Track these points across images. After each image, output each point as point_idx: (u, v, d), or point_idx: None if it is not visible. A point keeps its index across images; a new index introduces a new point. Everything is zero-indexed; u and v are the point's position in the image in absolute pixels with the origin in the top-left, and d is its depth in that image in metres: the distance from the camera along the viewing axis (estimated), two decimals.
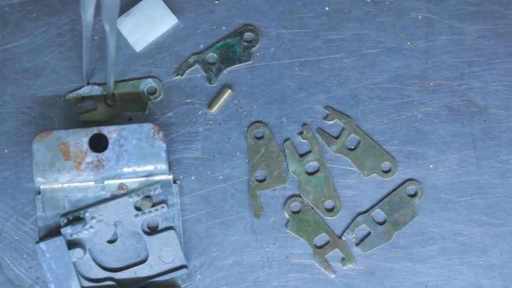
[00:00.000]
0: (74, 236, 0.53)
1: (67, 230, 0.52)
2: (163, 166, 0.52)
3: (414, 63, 0.57)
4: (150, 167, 0.52)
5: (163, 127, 0.56)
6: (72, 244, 0.52)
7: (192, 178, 0.56)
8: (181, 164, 0.56)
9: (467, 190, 0.56)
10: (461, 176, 0.56)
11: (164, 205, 0.53)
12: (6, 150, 0.56)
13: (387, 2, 0.58)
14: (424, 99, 0.57)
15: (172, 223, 0.54)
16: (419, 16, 0.58)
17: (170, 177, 0.54)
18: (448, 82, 0.57)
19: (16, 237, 0.55)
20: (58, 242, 0.51)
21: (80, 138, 0.52)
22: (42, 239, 0.52)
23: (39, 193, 0.53)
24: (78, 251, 0.52)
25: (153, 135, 0.52)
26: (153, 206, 0.54)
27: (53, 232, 0.53)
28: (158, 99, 0.56)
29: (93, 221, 0.53)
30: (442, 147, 0.56)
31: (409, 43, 0.58)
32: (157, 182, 0.54)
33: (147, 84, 0.56)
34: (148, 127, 0.52)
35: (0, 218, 0.55)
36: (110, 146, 0.52)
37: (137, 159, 0.52)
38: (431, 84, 0.57)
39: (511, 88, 0.57)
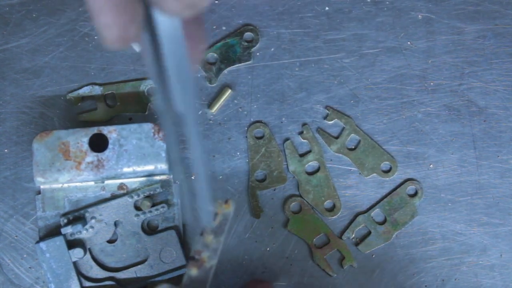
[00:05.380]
0: (74, 236, 0.53)
1: (67, 230, 0.52)
2: (163, 166, 0.52)
3: (414, 63, 0.57)
4: (150, 167, 0.52)
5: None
6: (72, 244, 0.52)
7: (192, 178, 0.56)
8: (181, 164, 0.56)
9: (467, 190, 0.56)
10: (461, 176, 0.56)
11: (164, 205, 0.53)
12: (6, 150, 0.56)
13: (387, 2, 0.58)
14: (424, 99, 0.57)
15: (172, 223, 0.54)
16: (419, 16, 0.58)
17: (170, 177, 0.54)
18: (448, 82, 0.57)
19: (16, 237, 0.55)
20: (58, 242, 0.51)
21: (80, 138, 0.52)
22: (42, 239, 0.52)
23: (39, 193, 0.53)
24: (78, 251, 0.52)
25: (153, 135, 0.52)
26: (153, 206, 0.54)
27: (53, 232, 0.53)
28: None
29: (93, 221, 0.53)
30: (442, 147, 0.56)
31: (409, 43, 0.58)
32: (157, 182, 0.54)
33: (147, 85, 0.56)
34: (148, 127, 0.52)
35: (0, 218, 0.55)
36: (110, 146, 0.52)
37: (137, 159, 0.52)
38: (431, 84, 0.57)
39: (511, 88, 0.57)
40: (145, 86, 0.57)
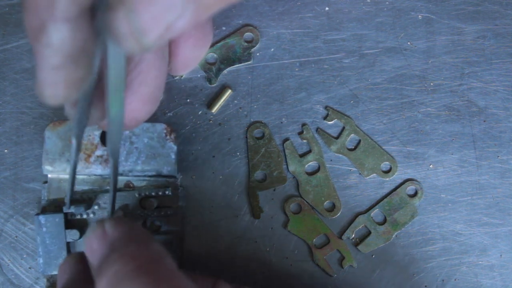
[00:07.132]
0: (75, 217, 0.52)
1: (69, 210, 0.51)
2: (172, 168, 0.52)
3: (414, 63, 0.57)
4: (158, 167, 0.52)
5: None
6: (70, 225, 0.52)
7: (192, 178, 0.56)
8: (181, 164, 0.56)
9: (467, 190, 0.56)
10: (461, 176, 0.56)
11: (169, 208, 0.53)
12: (6, 150, 0.56)
13: (387, 2, 0.58)
14: (424, 99, 0.57)
15: (175, 227, 0.53)
16: (419, 16, 0.58)
17: (178, 180, 0.54)
18: (448, 82, 0.57)
19: (16, 237, 0.55)
20: (57, 219, 0.51)
21: (92, 131, 0.52)
22: (42, 212, 0.52)
23: (45, 182, 0.53)
24: (74, 233, 0.51)
25: (165, 135, 0.52)
26: (157, 207, 0.53)
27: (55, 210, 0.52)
28: None
29: (96, 207, 0.52)
30: (442, 147, 0.56)
31: (409, 43, 0.58)
32: (164, 183, 0.53)
33: None
34: (161, 127, 0.52)
35: (0, 218, 0.55)
36: (121, 142, 0.52)
37: (147, 158, 0.52)
38: (431, 84, 0.57)
39: (511, 88, 0.57)
40: None
